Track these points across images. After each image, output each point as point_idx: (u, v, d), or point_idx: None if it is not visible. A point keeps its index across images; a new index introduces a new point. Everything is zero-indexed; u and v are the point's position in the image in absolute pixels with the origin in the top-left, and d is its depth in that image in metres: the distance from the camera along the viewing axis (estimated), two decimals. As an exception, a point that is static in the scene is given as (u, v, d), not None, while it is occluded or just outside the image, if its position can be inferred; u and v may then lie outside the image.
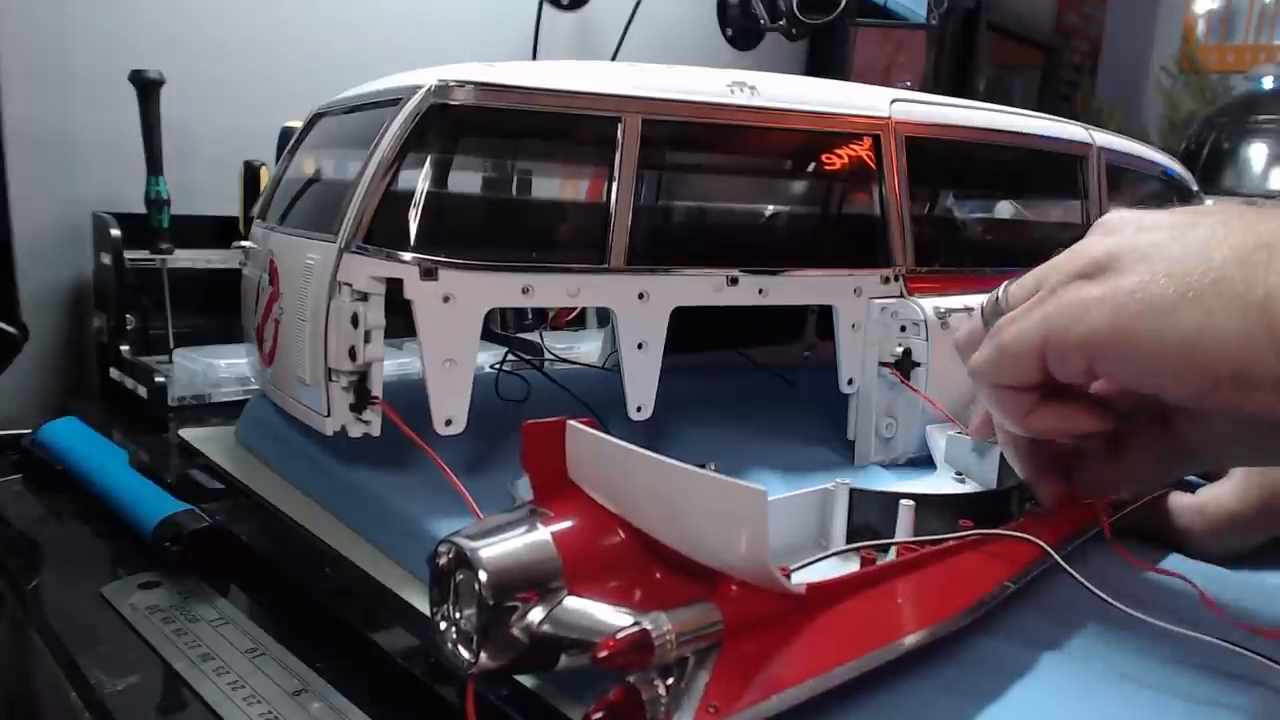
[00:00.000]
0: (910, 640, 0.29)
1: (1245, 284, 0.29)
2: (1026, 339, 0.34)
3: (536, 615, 0.26)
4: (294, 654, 0.37)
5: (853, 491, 0.40)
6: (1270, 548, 0.43)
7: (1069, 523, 0.39)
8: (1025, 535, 0.36)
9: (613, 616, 0.26)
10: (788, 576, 0.27)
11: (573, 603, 0.27)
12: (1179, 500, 0.44)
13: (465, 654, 0.27)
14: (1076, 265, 0.33)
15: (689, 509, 0.27)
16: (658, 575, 0.28)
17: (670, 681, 0.25)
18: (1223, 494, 0.43)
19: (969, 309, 0.50)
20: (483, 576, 0.26)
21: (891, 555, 0.35)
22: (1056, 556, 0.34)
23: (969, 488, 0.44)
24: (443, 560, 0.28)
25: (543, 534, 0.28)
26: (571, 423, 0.29)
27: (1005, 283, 0.38)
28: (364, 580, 0.40)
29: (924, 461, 0.50)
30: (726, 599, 0.26)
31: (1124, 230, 0.33)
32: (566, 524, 0.28)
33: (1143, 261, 0.31)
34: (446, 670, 0.32)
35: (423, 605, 0.36)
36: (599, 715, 0.25)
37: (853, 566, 0.34)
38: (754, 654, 0.26)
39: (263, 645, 0.38)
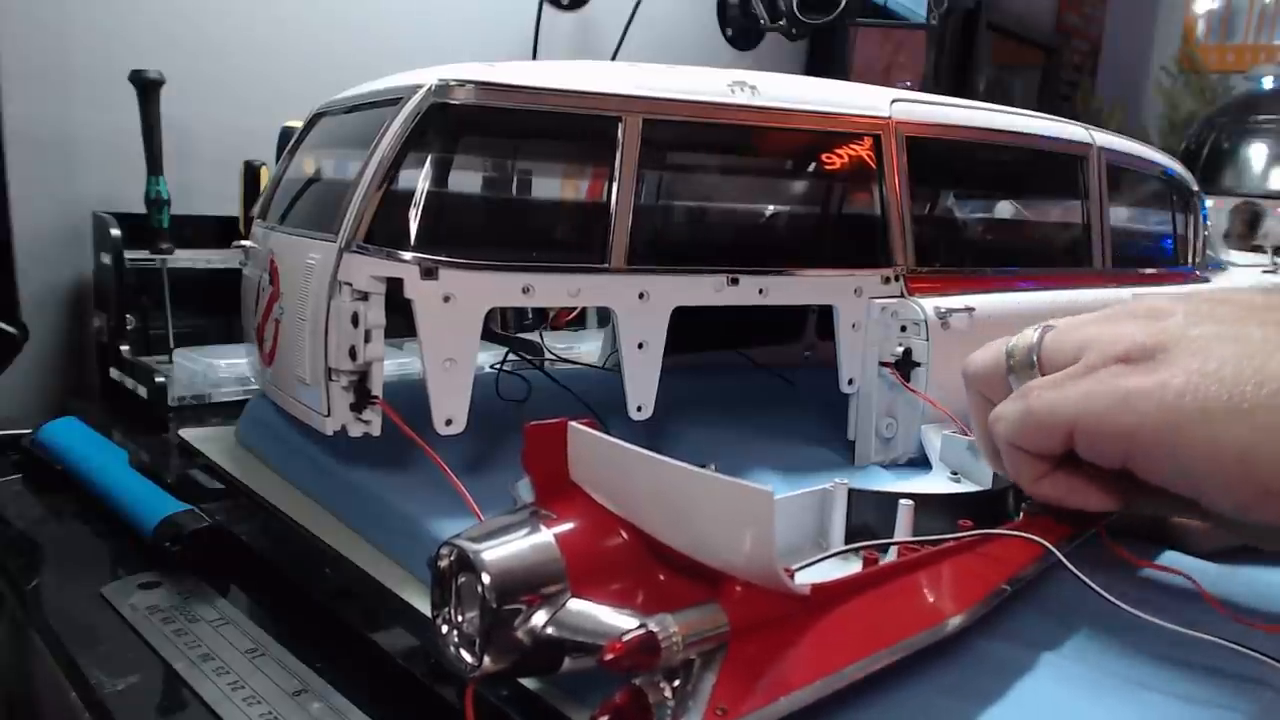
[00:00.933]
0: (915, 640, 0.29)
1: None
2: (1059, 414, 0.33)
3: (540, 618, 0.26)
4: (294, 654, 0.37)
5: (851, 491, 0.40)
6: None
7: (1069, 522, 0.39)
8: (1028, 535, 0.35)
9: (617, 619, 0.26)
10: (791, 577, 0.27)
11: (576, 605, 0.27)
12: None
13: (468, 657, 0.27)
14: (1122, 347, 0.32)
15: (694, 510, 0.27)
16: (661, 577, 0.28)
17: (676, 684, 0.25)
18: None
19: (970, 309, 0.50)
20: (485, 579, 0.26)
21: (892, 555, 0.35)
22: (1060, 555, 0.34)
23: (965, 487, 0.44)
24: (444, 563, 0.28)
25: (545, 536, 0.27)
26: (573, 424, 0.29)
27: (1040, 329, 0.36)
28: (364, 580, 0.40)
29: (924, 462, 0.50)
30: (731, 600, 0.26)
31: (1173, 317, 0.32)
32: (569, 526, 0.28)
33: (1194, 358, 0.30)
34: (446, 671, 0.32)
35: (423, 605, 0.36)
36: (605, 718, 0.25)
37: (853, 566, 0.34)
38: (760, 655, 0.26)
39: (263, 645, 0.38)
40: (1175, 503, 0.35)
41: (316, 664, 0.36)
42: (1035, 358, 0.35)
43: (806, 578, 0.29)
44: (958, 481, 0.44)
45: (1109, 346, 0.32)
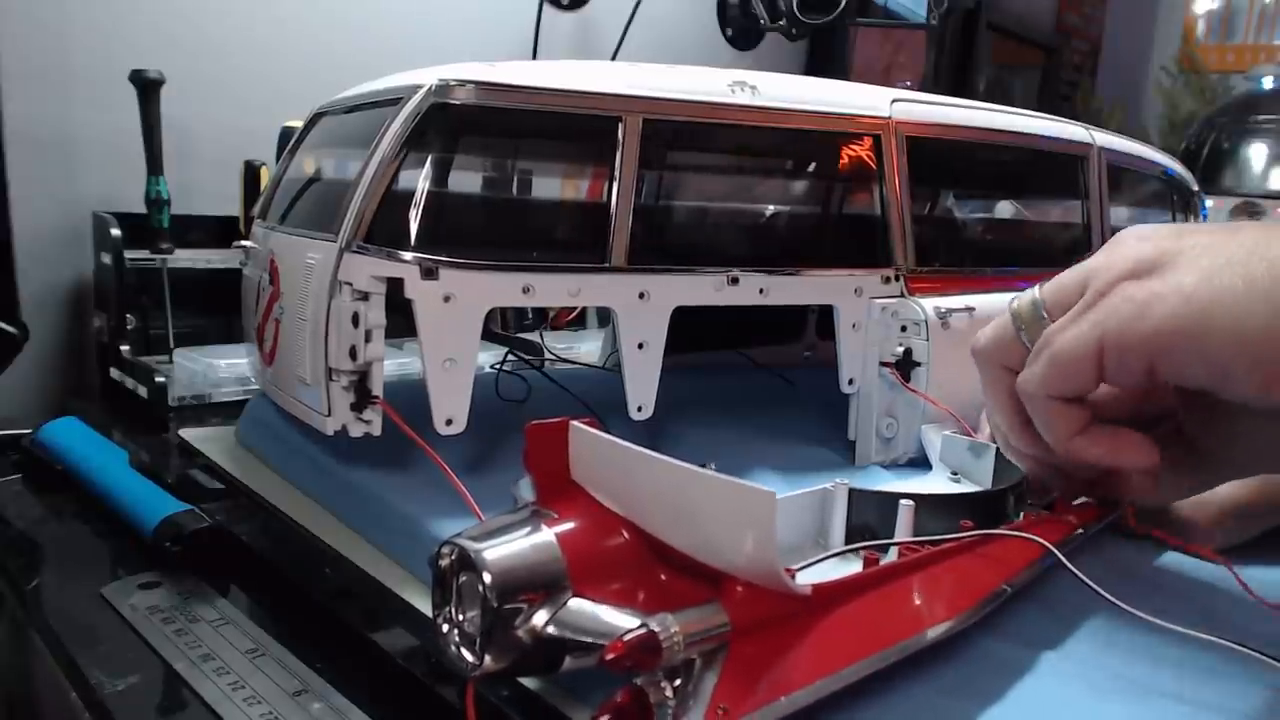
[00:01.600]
0: (916, 641, 0.29)
1: None
2: (1083, 342, 0.33)
3: (541, 617, 0.26)
4: (294, 654, 0.37)
5: (852, 491, 0.40)
6: (1271, 537, 0.43)
7: (1069, 523, 0.39)
8: (1029, 535, 0.35)
9: (619, 618, 0.26)
10: (792, 578, 0.27)
11: (577, 604, 0.27)
12: None
13: (469, 656, 0.27)
14: (1125, 265, 0.33)
15: (696, 511, 0.26)
16: (662, 577, 0.28)
17: (677, 683, 0.25)
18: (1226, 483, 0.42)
19: (970, 309, 0.50)
20: (487, 578, 0.26)
21: (893, 555, 0.35)
22: (1061, 557, 0.34)
23: (965, 487, 0.43)
24: (445, 562, 0.28)
25: (547, 535, 0.27)
26: (575, 423, 0.29)
27: (1038, 286, 0.37)
28: (364, 580, 0.40)
29: (924, 462, 0.50)
30: (732, 600, 0.26)
31: (1160, 235, 0.33)
32: (570, 525, 0.28)
33: (1200, 257, 0.31)
34: (446, 670, 0.32)
35: (423, 605, 0.36)
36: (606, 718, 0.24)
37: (853, 567, 0.34)
38: (761, 655, 0.26)
39: (263, 645, 0.38)
40: (1204, 414, 0.36)
41: (316, 664, 0.36)
42: (1042, 308, 0.36)
43: (807, 578, 0.29)
44: (958, 481, 0.44)
45: (1114, 268, 0.33)
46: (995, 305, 0.52)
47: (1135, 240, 0.34)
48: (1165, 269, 0.32)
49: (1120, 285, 0.33)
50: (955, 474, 0.45)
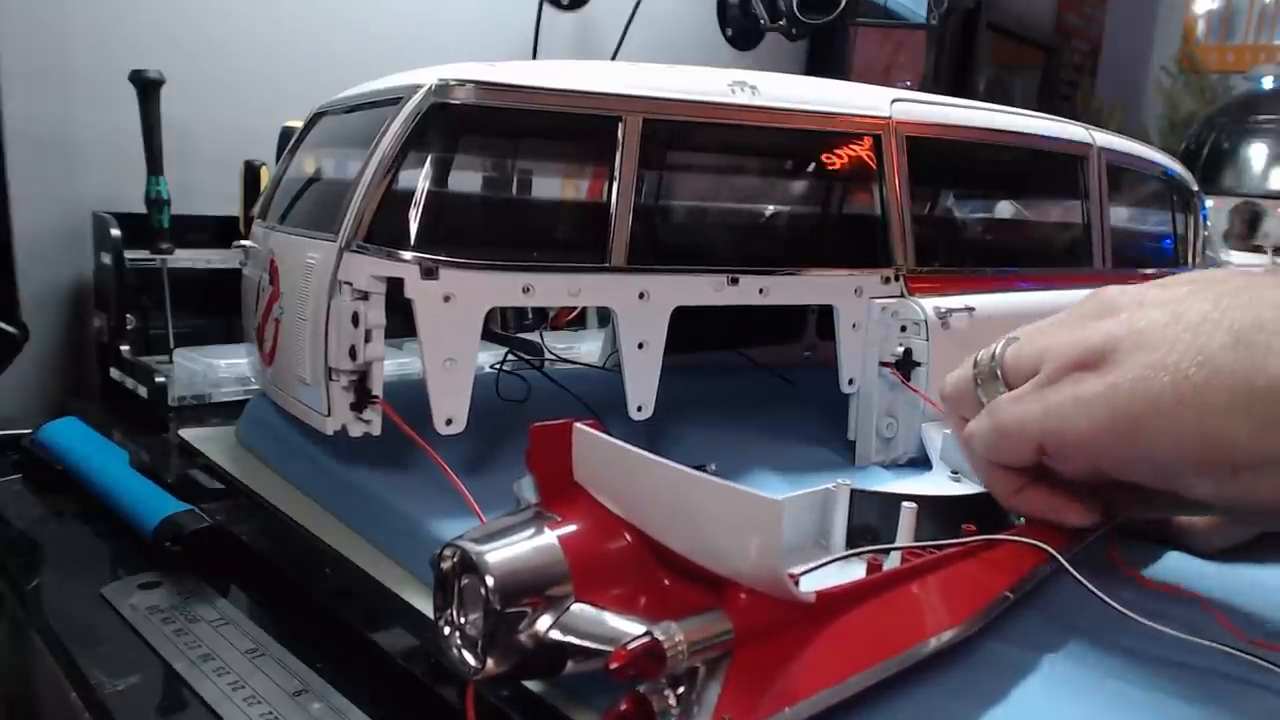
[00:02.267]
0: (920, 649, 0.29)
1: (1244, 373, 0.28)
2: (1025, 429, 0.33)
3: (544, 622, 0.26)
4: (294, 654, 0.37)
5: (853, 492, 0.39)
6: (1271, 540, 0.42)
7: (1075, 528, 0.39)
8: (1032, 541, 0.35)
9: (622, 625, 0.26)
10: (796, 584, 0.27)
11: (580, 609, 0.27)
12: None
13: (470, 659, 0.27)
14: (1075, 354, 0.32)
15: (700, 516, 0.26)
16: (665, 581, 0.28)
17: (681, 691, 0.25)
18: None
19: (970, 309, 0.50)
20: (489, 581, 0.26)
21: (895, 559, 0.35)
22: (1065, 562, 0.34)
23: (966, 488, 0.43)
24: (447, 564, 0.27)
25: (549, 538, 0.27)
26: (578, 425, 0.29)
27: (1003, 341, 0.36)
28: (364, 580, 0.39)
29: (924, 461, 0.50)
30: (736, 607, 0.26)
31: (1124, 310, 0.32)
32: (573, 528, 0.28)
33: (1140, 350, 0.30)
34: (447, 670, 0.32)
35: (423, 606, 0.36)
36: None
37: (855, 570, 0.34)
38: (765, 663, 0.26)
39: (263, 645, 0.38)
40: (1161, 501, 0.35)
41: (316, 664, 0.36)
42: (999, 371, 0.36)
43: (809, 582, 0.29)
44: (958, 481, 0.44)
45: (1064, 355, 0.32)
46: (995, 305, 0.52)
47: (1096, 318, 0.33)
48: (1108, 364, 0.31)
49: (1068, 377, 0.32)
50: (955, 473, 0.45)
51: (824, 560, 0.36)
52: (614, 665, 0.23)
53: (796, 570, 0.34)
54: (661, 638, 0.24)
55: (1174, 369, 0.29)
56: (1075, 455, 0.32)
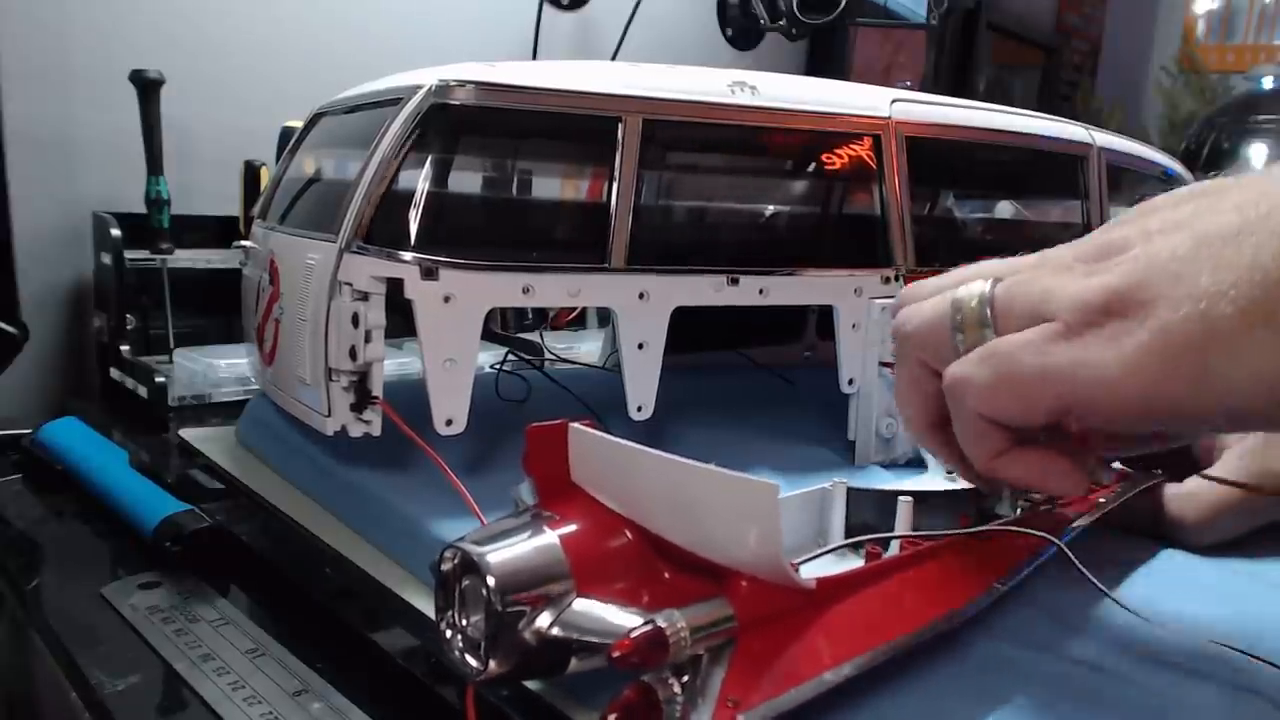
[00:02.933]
0: (920, 633, 0.30)
1: None
2: (1048, 382, 0.28)
3: (545, 620, 0.26)
4: (294, 654, 0.37)
5: (850, 490, 0.40)
6: (1268, 533, 0.43)
7: (1066, 517, 0.39)
8: (1031, 530, 0.35)
9: (624, 617, 0.26)
10: (796, 571, 0.27)
11: (582, 605, 0.27)
12: (1169, 489, 0.43)
13: (473, 661, 0.27)
14: (1098, 299, 0.28)
15: (698, 506, 0.26)
16: (666, 575, 0.28)
17: (685, 679, 0.25)
18: (1213, 480, 0.42)
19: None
20: (491, 582, 0.26)
21: (894, 548, 0.35)
22: (1063, 547, 0.34)
23: (962, 485, 0.43)
24: (448, 566, 0.27)
25: (549, 537, 0.27)
26: (574, 425, 0.29)
27: (989, 280, 0.31)
28: (364, 580, 0.40)
29: (924, 462, 0.50)
30: (737, 595, 0.26)
31: (1134, 244, 0.28)
32: (572, 526, 0.28)
33: (1178, 283, 0.26)
34: (447, 670, 0.32)
35: (423, 605, 0.36)
36: (614, 716, 0.24)
37: (854, 563, 0.34)
38: (767, 649, 0.26)
39: (263, 645, 0.38)
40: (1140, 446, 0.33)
41: (316, 664, 0.36)
42: (989, 312, 0.31)
43: (809, 572, 0.29)
44: (953, 480, 0.44)
45: (1081, 301, 0.28)
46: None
47: (1098, 254, 0.29)
48: (1143, 308, 0.27)
49: (1095, 328, 0.28)
50: (951, 472, 0.45)
51: (823, 549, 0.36)
52: (617, 654, 0.24)
53: (795, 561, 0.34)
54: (664, 625, 0.24)
55: (1232, 294, 0.25)
56: (1114, 414, 0.28)
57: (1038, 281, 0.30)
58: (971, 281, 0.32)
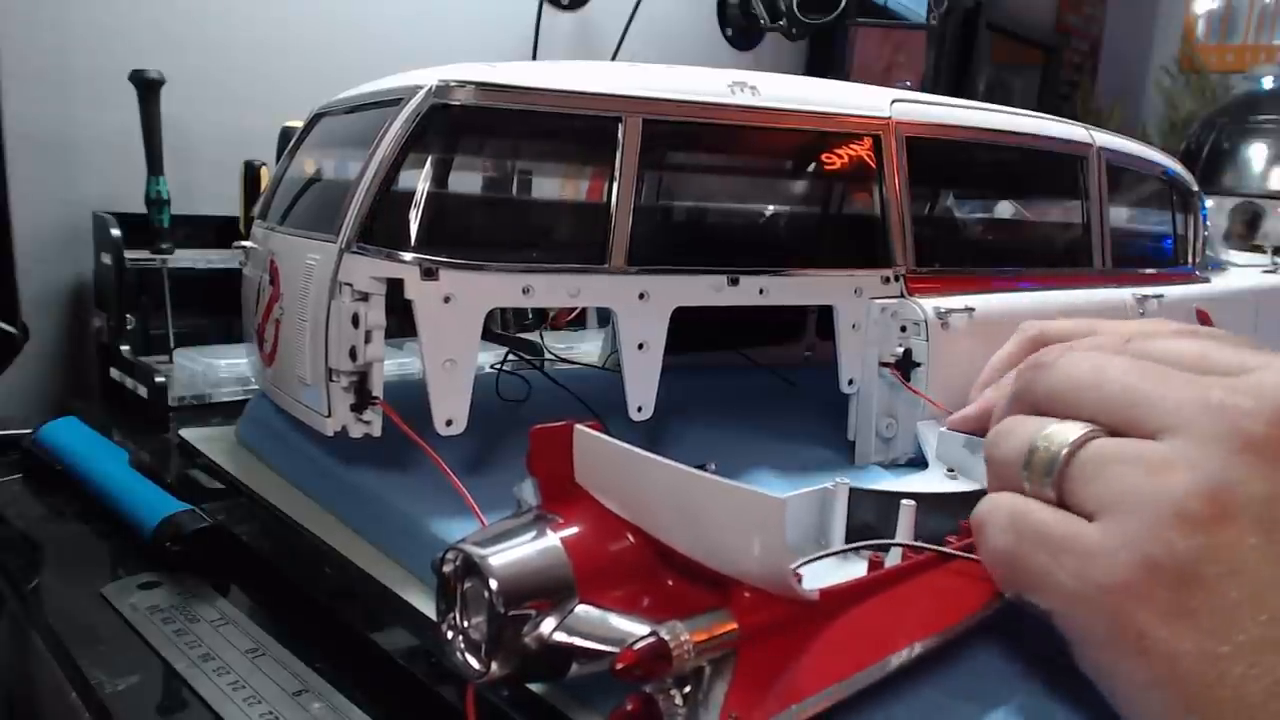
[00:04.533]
0: (925, 644, 0.29)
1: None
2: (1049, 593, 0.26)
3: (548, 625, 0.26)
4: (294, 654, 0.37)
5: (852, 491, 0.40)
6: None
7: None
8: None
9: (627, 625, 0.26)
10: (799, 581, 0.27)
11: (585, 611, 0.26)
12: None
13: (474, 663, 0.27)
14: (1162, 556, 0.23)
15: (704, 516, 0.26)
16: (669, 582, 0.28)
17: (687, 690, 0.25)
18: None
19: (970, 309, 0.50)
20: (493, 585, 0.26)
21: (895, 555, 0.35)
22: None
23: (963, 485, 0.43)
24: (449, 568, 0.27)
25: (552, 540, 0.27)
26: (579, 427, 0.29)
27: (1086, 432, 0.27)
28: (364, 580, 0.40)
29: (924, 461, 0.50)
30: (740, 605, 0.26)
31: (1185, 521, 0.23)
32: (576, 530, 0.28)
33: (1232, 577, 0.22)
34: (447, 670, 0.32)
35: (423, 605, 0.36)
36: None
37: (855, 567, 0.34)
38: (770, 661, 0.26)
39: (263, 645, 0.38)
40: None
41: (316, 664, 0.36)
42: (1056, 474, 0.27)
43: (808, 574, 0.29)
44: (954, 479, 0.44)
45: (1150, 558, 0.24)
46: (995, 305, 0.52)
47: (1166, 504, 0.24)
48: (1187, 589, 0.23)
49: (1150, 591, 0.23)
50: (951, 470, 0.45)
51: (823, 553, 0.36)
52: (620, 666, 0.23)
53: (795, 564, 0.34)
54: (668, 637, 0.24)
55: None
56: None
57: (1120, 477, 0.25)
58: (1067, 425, 0.28)
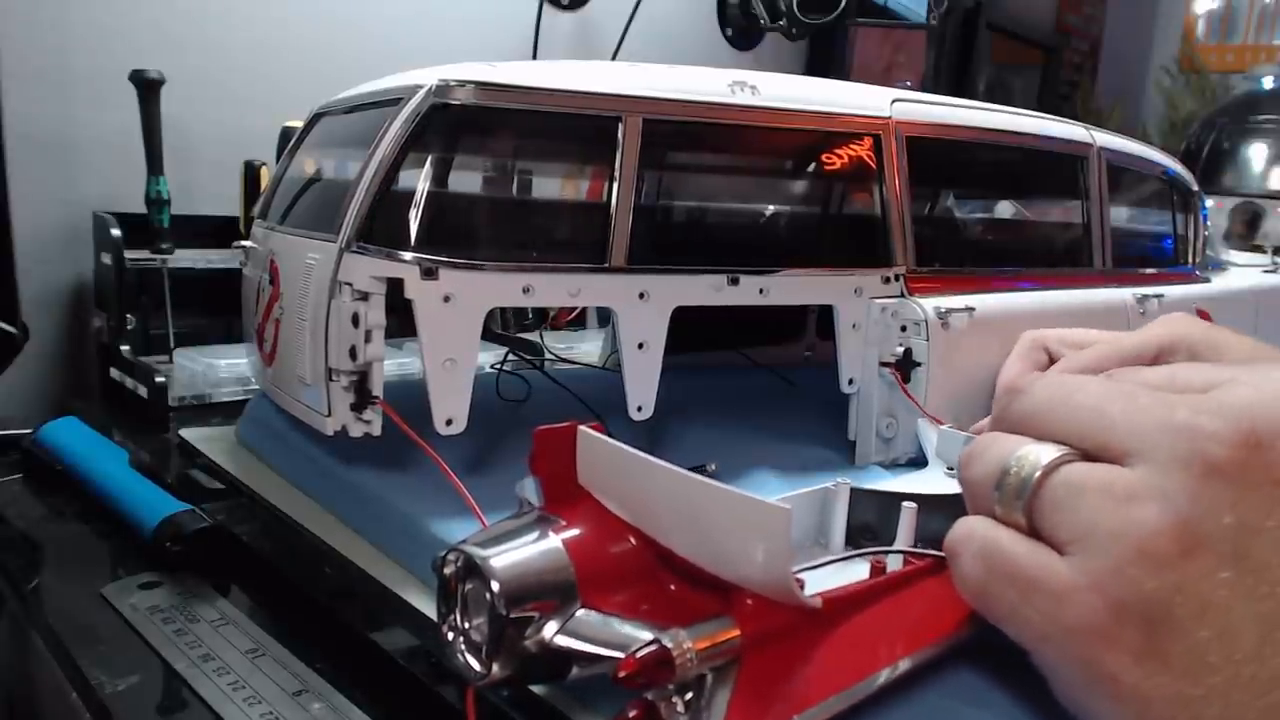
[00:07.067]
0: (930, 650, 0.29)
1: None
2: (1017, 624, 0.26)
3: (550, 628, 0.26)
4: (294, 654, 0.37)
5: (853, 491, 0.39)
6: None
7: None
8: None
9: (630, 630, 0.26)
10: (802, 588, 0.27)
11: (587, 615, 0.26)
12: None
13: (475, 665, 0.27)
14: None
15: (708, 523, 0.26)
16: (671, 586, 0.28)
17: (689, 698, 0.24)
18: None
19: (970, 309, 0.50)
20: (495, 586, 0.26)
21: (898, 560, 0.35)
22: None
23: None
24: (450, 569, 0.27)
25: (554, 542, 0.27)
26: (583, 428, 0.29)
27: (1060, 456, 0.26)
28: (364, 580, 0.40)
29: (924, 461, 0.50)
30: (743, 612, 0.26)
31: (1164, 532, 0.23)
32: (578, 532, 0.28)
33: (1203, 615, 0.22)
34: (447, 671, 0.32)
35: (423, 606, 0.36)
36: None
37: (857, 570, 0.34)
38: (773, 669, 0.26)
39: (263, 645, 0.38)
40: None
41: (316, 664, 0.36)
42: (1027, 500, 0.26)
43: (810, 579, 0.29)
44: (954, 478, 0.44)
45: (1121, 602, 0.23)
46: (995, 305, 0.52)
47: (1139, 537, 0.23)
48: (1157, 643, 0.23)
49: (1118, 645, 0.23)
50: (951, 470, 0.45)
51: (825, 560, 0.36)
52: (623, 674, 0.23)
53: (796, 569, 0.34)
54: (670, 645, 0.23)
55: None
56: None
57: (1090, 509, 0.24)
58: (1039, 448, 0.27)
